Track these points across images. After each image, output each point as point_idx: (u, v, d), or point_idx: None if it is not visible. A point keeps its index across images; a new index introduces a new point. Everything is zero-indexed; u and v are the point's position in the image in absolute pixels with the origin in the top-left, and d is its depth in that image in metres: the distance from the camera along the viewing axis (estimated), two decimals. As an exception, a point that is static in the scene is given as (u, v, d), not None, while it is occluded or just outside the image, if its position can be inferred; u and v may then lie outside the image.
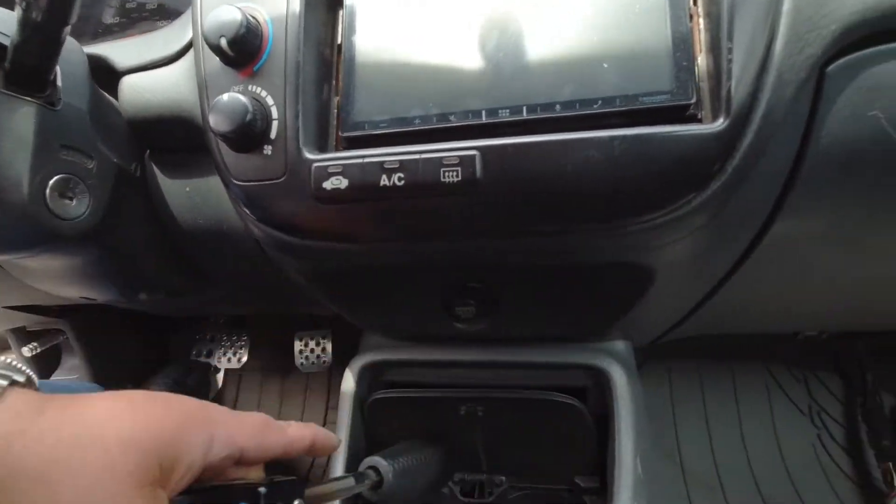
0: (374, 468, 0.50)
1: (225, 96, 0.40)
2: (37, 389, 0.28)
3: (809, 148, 0.42)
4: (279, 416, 1.39)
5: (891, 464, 0.94)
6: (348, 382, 0.69)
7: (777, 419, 1.11)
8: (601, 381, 0.64)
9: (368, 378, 0.71)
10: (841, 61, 0.39)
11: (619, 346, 0.68)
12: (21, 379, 0.27)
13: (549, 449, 0.66)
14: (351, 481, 0.45)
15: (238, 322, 1.29)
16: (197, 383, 1.22)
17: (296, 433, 0.35)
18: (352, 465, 0.67)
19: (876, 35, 0.38)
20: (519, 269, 0.48)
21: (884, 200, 0.46)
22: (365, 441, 0.71)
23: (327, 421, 1.21)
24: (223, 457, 0.30)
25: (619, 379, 0.63)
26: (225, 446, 0.30)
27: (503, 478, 0.68)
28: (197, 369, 1.24)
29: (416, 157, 0.39)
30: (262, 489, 0.35)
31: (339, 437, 0.69)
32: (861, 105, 0.40)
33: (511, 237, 0.42)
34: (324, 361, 1.18)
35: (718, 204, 0.40)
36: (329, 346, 1.19)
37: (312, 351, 1.20)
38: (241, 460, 0.32)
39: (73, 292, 0.70)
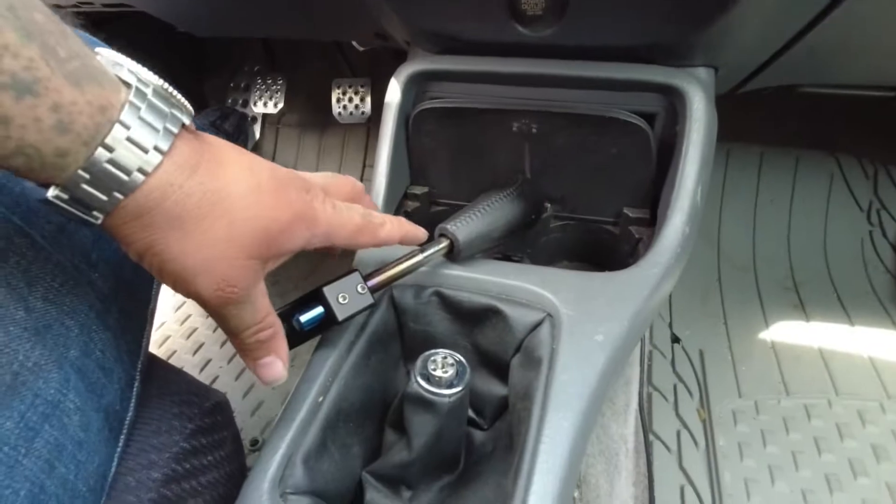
0: (442, 234, 0.47)
1: None
2: (194, 129, 0.31)
3: None
4: (317, 171, 1.40)
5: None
6: (394, 92, 0.64)
7: (831, 213, 1.06)
8: (674, 105, 0.57)
9: (415, 90, 0.65)
10: None
11: (702, 72, 0.60)
12: (187, 121, 0.30)
13: (602, 177, 0.63)
14: (418, 256, 0.44)
15: (272, 67, 1.22)
16: (234, 128, 1.20)
17: (387, 236, 0.40)
18: (392, 185, 0.65)
19: None
20: None
21: None
22: (407, 158, 0.69)
23: (364, 178, 1.20)
24: (316, 247, 0.37)
25: (699, 102, 0.55)
26: (321, 242, 0.36)
27: (548, 204, 0.65)
28: (233, 115, 1.21)
29: None
30: (324, 288, 0.40)
31: (382, 154, 0.65)
32: None
33: None
34: (362, 112, 1.13)
35: None
36: (368, 97, 1.12)
37: (350, 100, 1.13)
38: (330, 249, 0.41)
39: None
